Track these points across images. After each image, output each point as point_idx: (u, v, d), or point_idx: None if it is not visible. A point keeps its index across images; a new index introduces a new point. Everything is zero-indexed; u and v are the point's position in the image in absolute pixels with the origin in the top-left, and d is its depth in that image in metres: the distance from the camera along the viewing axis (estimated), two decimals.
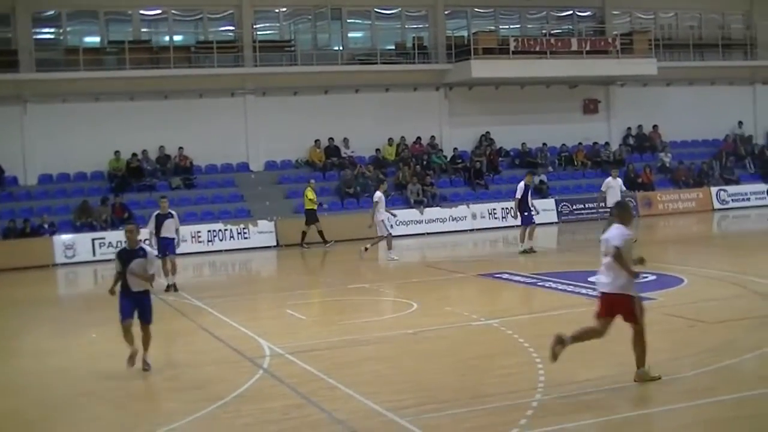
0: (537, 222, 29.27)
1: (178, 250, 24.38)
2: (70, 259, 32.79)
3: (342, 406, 11.61)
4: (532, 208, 28.48)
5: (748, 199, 42.63)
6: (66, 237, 33.44)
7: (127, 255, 14.67)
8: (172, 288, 23.20)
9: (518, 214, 28.40)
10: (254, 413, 11.47)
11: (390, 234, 28.79)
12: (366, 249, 28.67)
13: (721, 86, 46.72)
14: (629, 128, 45.62)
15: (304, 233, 34.33)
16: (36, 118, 36.65)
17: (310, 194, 34.22)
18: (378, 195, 28.83)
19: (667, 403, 11.03)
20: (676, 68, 45.12)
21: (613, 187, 28.96)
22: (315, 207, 34.34)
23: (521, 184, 28.34)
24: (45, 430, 11.61)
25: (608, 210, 27.76)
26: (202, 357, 15.34)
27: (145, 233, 22.04)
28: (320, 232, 34.31)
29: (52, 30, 39.18)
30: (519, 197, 28.27)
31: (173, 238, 23.54)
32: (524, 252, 27.66)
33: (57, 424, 11.90)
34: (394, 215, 32.42)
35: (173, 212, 23.91)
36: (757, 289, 18.89)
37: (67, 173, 37.27)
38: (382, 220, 28.57)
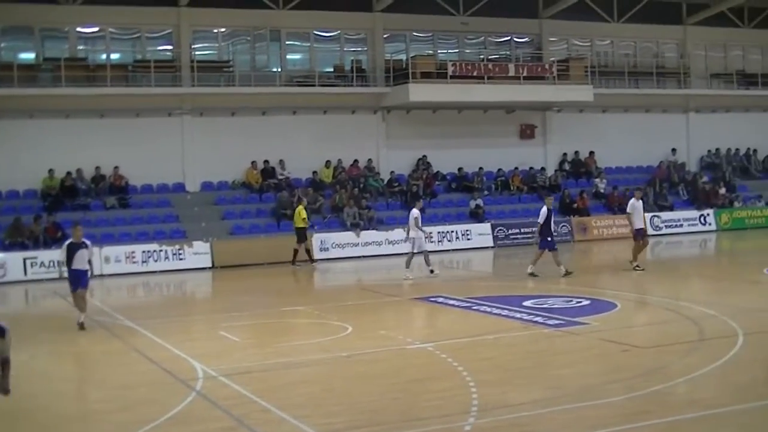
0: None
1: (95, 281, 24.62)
2: (0, 278, 32.29)
3: (275, 428, 11.54)
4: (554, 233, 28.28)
5: (681, 226, 43.23)
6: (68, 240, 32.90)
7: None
8: (79, 326, 20.36)
9: (539, 238, 27.62)
10: None
11: (413, 253, 28.91)
12: (432, 272, 28.85)
13: (655, 113, 47.41)
14: (565, 154, 46.02)
15: (296, 251, 34.39)
16: None
17: (302, 213, 34.40)
18: (415, 212, 29.11)
19: (599, 427, 11.07)
20: (611, 95, 45.69)
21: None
22: (306, 226, 34.52)
23: (543, 209, 27.51)
24: None
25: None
26: (133, 378, 15.16)
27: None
28: (308, 251, 34.61)
29: None
30: (542, 222, 27.45)
31: (86, 270, 20.88)
32: (532, 275, 27.02)
33: None
34: (429, 234, 32.52)
35: (87, 242, 21.23)
36: (689, 314, 19.10)
37: None
38: (414, 238, 28.62)
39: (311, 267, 34.14)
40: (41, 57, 38.89)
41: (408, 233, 29.34)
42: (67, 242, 21.30)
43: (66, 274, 21.08)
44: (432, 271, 28.64)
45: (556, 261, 27.19)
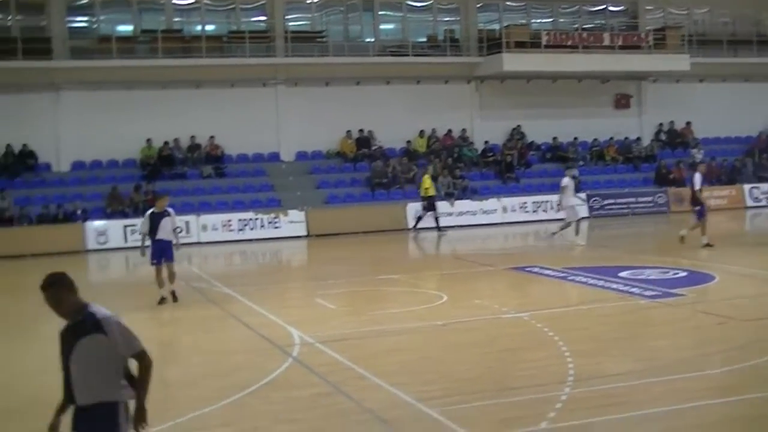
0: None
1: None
2: (102, 245, 33.00)
3: (371, 395, 11.63)
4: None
5: None
6: (98, 223, 33.67)
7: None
8: (171, 297, 19.93)
9: (696, 206, 26.82)
10: (283, 401, 11.51)
11: (579, 219, 28.97)
12: (554, 234, 28.99)
13: (755, 83, 46.36)
14: (661, 124, 45.39)
15: (419, 218, 35.01)
16: (69, 106, 36.90)
17: (426, 182, 34.70)
18: (566, 180, 29.23)
19: (694, 400, 10.98)
20: (709, 64, 44.80)
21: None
22: (433, 194, 34.90)
23: (697, 175, 26.88)
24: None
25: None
26: (231, 344, 15.41)
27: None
28: (437, 219, 34.99)
29: (85, 18, 39.41)
30: (698, 188, 26.77)
31: (170, 241, 19.91)
32: (708, 245, 26.12)
33: None
34: (582, 202, 32.69)
35: (170, 210, 20.19)
36: None
37: (99, 160, 37.52)
38: (572, 206, 28.62)
39: (439, 235, 34.48)
40: (138, 29, 39.53)
41: (561, 202, 29.39)
42: (149, 212, 20.20)
43: (148, 246, 19.96)
44: (552, 235, 28.65)
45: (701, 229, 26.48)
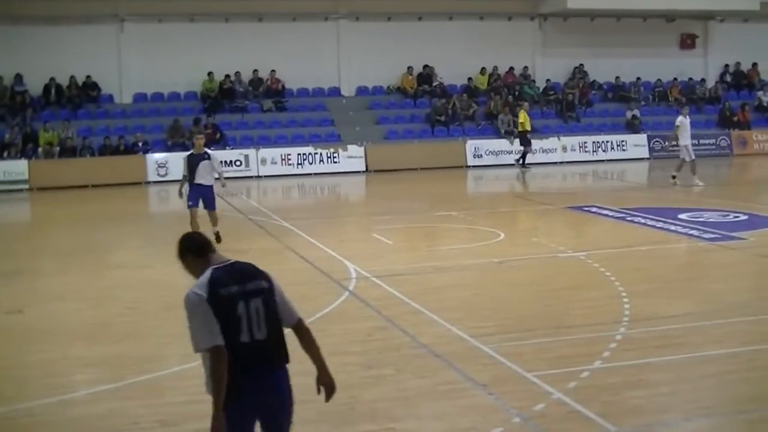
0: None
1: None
2: (162, 177, 33.28)
3: (426, 330, 11.72)
4: None
5: None
6: (159, 155, 33.93)
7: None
8: (216, 236, 17.92)
9: None
10: (339, 333, 11.62)
11: (693, 159, 28.32)
12: (674, 177, 28.32)
13: None
14: (727, 65, 44.65)
15: (525, 154, 34.81)
16: (132, 38, 37.08)
17: (521, 117, 34.70)
18: (680, 119, 28.91)
19: (751, 344, 10.95)
20: None
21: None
22: (528, 129, 34.77)
23: None
24: (130, 340, 11.89)
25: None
26: (289, 276, 15.44)
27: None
28: (524, 155, 34.69)
29: None
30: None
31: (210, 186, 18.44)
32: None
33: (142, 335, 12.18)
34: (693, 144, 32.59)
35: (209, 152, 19.13)
36: None
37: (161, 93, 37.73)
38: (686, 145, 28.37)
39: (522, 171, 34.25)
40: None
41: (678, 141, 29.01)
42: (188, 153, 18.87)
43: (186, 191, 18.59)
44: (673, 179, 28.30)
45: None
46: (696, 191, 26.93)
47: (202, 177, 18.23)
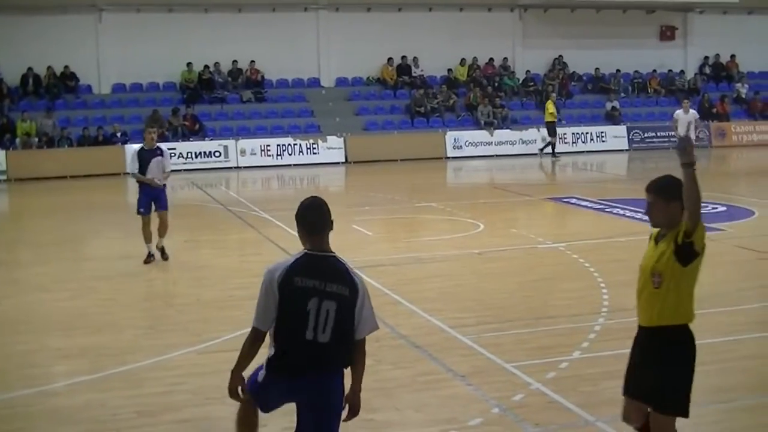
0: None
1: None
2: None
3: (405, 321, 11.72)
4: None
5: None
6: (137, 146, 33.58)
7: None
8: (159, 253, 16.39)
9: None
10: None
11: None
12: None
13: None
14: (706, 57, 44.81)
15: (552, 144, 35.36)
16: (110, 28, 36.93)
17: (550, 107, 35.10)
18: (677, 112, 30.59)
19: (730, 334, 10.99)
20: None
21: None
22: (554, 120, 35.27)
23: None
24: (107, 331, 11.84)
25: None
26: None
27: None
28: (552, 145, 35.28)
29: None
30: None
31: (164, 186, 16.60)
32: None
33: (120, 326, 12.12)
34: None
35: (162, 147, 16.92)
36: None
37: (139, 83, 37.60)
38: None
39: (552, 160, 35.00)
40: None
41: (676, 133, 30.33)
42: (138, 148, 16.92)
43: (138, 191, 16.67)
44: None
45: None
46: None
47: (154, 175, 16.21)
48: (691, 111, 30.30)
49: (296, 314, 5.96)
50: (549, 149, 35.16)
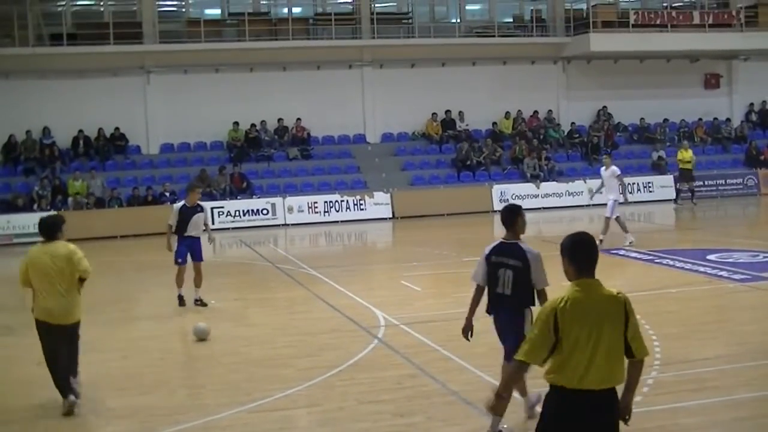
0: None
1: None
2: None
3: (456, 377, 11.70)
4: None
5: None
6: (180, 203, 33.90)
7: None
8: (198, 303, 17.81)
9: None
10: (369, 382, 11.62)
11: (609, 217, 25.40)
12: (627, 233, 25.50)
13: None
14: (752, 104, 44.55)
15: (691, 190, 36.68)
16: (158, 89, 37.42)
17: (685, 155, 36.34)
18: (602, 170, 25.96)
19: None
20: None
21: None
22: (690, 168, 36.28)
23: None
24: (163, 390, 11.91)
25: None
26: (318, 325, 15.55)
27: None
28: (691, 191, 36.56)
29: (174, 2, 40.01)
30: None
31: (199, 238, 17.97)
32: None
33: (174, 386, 12.21)
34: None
35: (203, 204, 18.53)
36: None
37: (187, 143, 38.00)
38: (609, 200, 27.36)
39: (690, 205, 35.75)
40: (226, 12, 40.01)
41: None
42: (179, 205, 18.02)
43: (174, 242, 17.92)
44: None
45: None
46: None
47: (194, 229, 17.71)
48: (612, 167, 25.21)
49: (492, 278, 9.73)
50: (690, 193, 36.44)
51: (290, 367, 12.73)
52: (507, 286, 9.54)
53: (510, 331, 9.51)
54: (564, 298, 6.48)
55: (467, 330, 10.05)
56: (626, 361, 6.36)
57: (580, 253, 6.65)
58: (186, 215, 17.66)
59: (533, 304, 9.34)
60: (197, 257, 17.81)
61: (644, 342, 6.37)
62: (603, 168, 25.62)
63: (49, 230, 11.53)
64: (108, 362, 13.60)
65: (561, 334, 6.28)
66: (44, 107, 35.92)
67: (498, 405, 7.55)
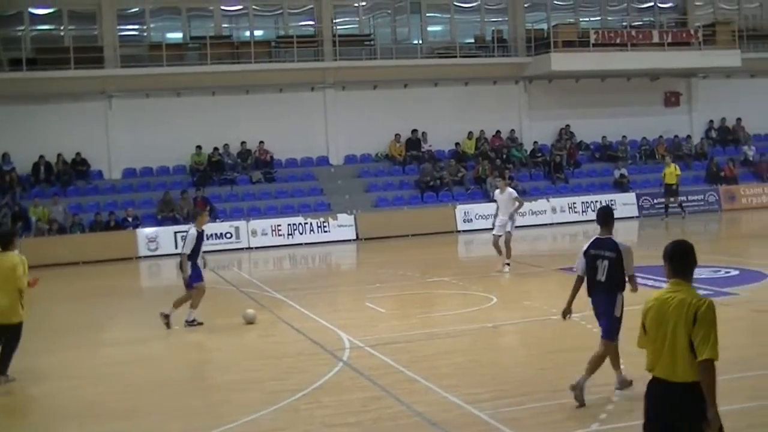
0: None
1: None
2: (153, 252, 33.28)
3: (421, 398, 11.67)
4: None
5: None
6: (149, 230, 33.95)
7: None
8: (193, 323, 18.11)
9: None
10: (334, 405, 11.58)
11: (497, 234, 24.84)
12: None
13: None
14: (711, 121, 44.96)
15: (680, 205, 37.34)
16: (120, 113, 37.27)
17: (670, 169, 37.13)
18: (496, 193, 25.10)
19: (760, 398, 10.96)
20: (760, 59, 44.19)
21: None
22: (673, 182, 36.99)
23: None
24: (128, 418, 11.82)
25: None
26: (282, 348, 15.50)
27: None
28: (680, 205, 37.46)
29: (136, 26, 39.81)
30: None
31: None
32: None
33: (140, 413, 12.11)
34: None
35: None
36: None
37: (150, 167, 37.84)
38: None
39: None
40: (188, 36, 39.89)
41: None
42: (195, 231, 18.12)
43: (189, 268, 18.13)
44: None
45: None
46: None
47: (202, 253, 18.35)
48: (508, 190, 24.37)
49: (591, 268, 11.56)
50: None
51: (255, 392, 12.67)
52: (603, 273, 11.41)
53: (603, 312, 11.52)
54: (654, 297, 7.30)
55: (566, 313, 11.87)
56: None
57: (676, 257, 7.25)
58: (201, 241, 18.12)
59: (623, 289, 11.45)
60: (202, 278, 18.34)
61: (713, 346, 6.91)
62: (498, 191, 24.47)
63: (3, 241, 13.85)
64: (72, 390, 13.49)
65: (644, 323, 7.36)
66: (3, 133, 35.72)
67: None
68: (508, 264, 23.42)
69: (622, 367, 11.60)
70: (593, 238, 11.73)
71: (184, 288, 18.25)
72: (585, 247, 11.72)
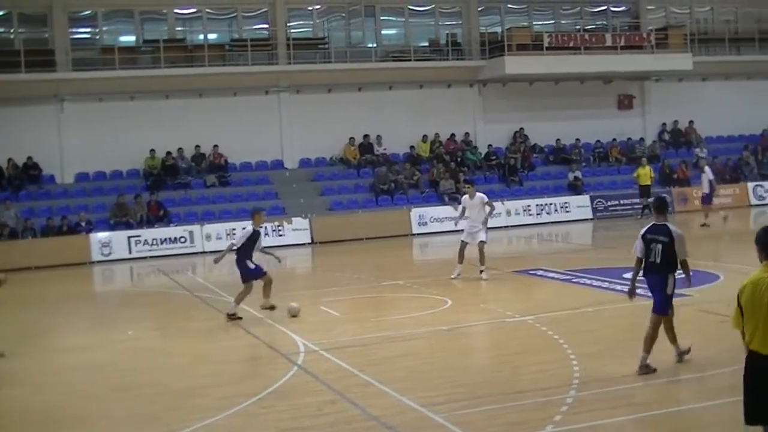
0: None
1: None
2: (106, 257, 32.98)
3: (376, 401, 11.65)
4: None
5: None
6: (102, 235, 33.65)
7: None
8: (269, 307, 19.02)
9: None
10: (289, 409, 11.54)
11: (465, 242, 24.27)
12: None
13: (757, 81, 46.22)
14: (664, 123, 45.33)
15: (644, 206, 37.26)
16: (72, 117, 36.91)
17: (644, 171, 37.45)
18: (464, 198, 24.22)
19: (707, 399, 11.00)
20: (711, 63, 44.72)
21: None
22: (648, 183, 37.26)
23: None
24: (81, 425, 11.71)
25: None
26: (237, 353, 15.43)
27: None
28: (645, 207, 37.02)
29: (88, 29, 39.42)
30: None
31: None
32: None
33: (93, 419, 12.00)
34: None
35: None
36: None
37: (103, 171, 37.52)
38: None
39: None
40: (141, 39, 39.57)
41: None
42: (251, 229, 18.98)
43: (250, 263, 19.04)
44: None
45: None
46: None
47: (259, 248, 19.29)
48: (478, 195, 23.34)
49: (648, 251, 12.58)
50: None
51: (210, 397, 12.59)
52: (657, 256, 12.51)
53: (657, 290, 12.65)
54: (749, 279, 8.34)
55: (631, 293, 13.11)
56: None
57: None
58: (255, 236, 18.84)
59: (675, 270, 12.56)
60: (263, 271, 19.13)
61: None
62: (467, 197, 23.62)
63: None
64: (24, 397, 13.34)
65: (740, 303, 8.14)
66: None
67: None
68: (482, 270, 22.99)
69: (675, 342, 12.88)
70: (650, 223, 12.86)
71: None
72: (642, 231, 12.85)
